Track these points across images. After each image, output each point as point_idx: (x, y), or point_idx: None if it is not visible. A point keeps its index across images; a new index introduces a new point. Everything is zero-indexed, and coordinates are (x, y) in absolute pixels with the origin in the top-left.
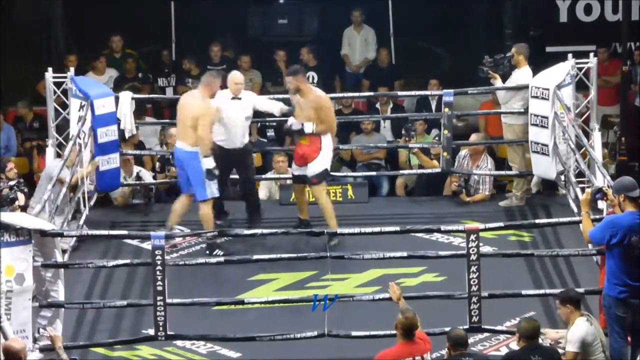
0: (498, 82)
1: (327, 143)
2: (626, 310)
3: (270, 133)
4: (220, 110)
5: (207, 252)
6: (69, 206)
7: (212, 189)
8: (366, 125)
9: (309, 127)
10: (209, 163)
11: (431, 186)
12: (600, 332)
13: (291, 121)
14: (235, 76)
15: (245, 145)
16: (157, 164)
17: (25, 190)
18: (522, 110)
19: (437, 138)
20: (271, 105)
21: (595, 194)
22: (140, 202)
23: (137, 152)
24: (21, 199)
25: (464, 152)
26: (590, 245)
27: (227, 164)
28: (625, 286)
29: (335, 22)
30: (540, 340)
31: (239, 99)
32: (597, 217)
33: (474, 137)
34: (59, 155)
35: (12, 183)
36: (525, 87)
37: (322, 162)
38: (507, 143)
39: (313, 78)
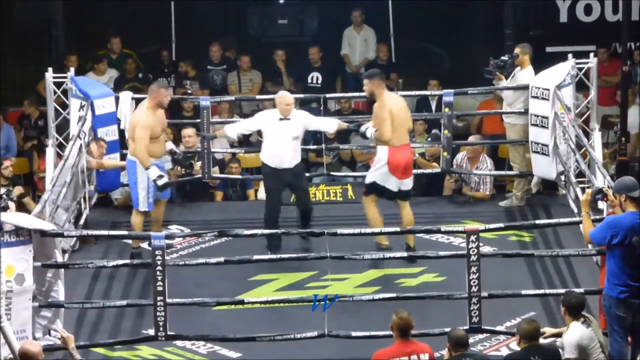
0: (503, 84)
1: (383, 156)
2: (626, 311)
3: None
4: (266, 130)
5: (130, 259)
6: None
7: (146, 202)
8: None
9: (369, 132)
10: (153, 173)
11: (431, 186)
12: (598, 333)
13: (364, 127)
14: (285, 97)
15: (296, 166)
16: None
17: (15, 198)
18: (523, 110)
19: (429, 139)
20: (326, 124)
21: (596, 194)
22: None
23: None
24: (12, 208)
25: (461, 154)
26: (590, 246)
27: (279, 184)
28: (626, 286)
29: (335, 22)
30: (541, 341)
31: (288, 119)
32: (597, 217)
33: (472, 139)
34: (59, 156)
35: (1, 192)
36: (526, 87)
37: (372, 174)
38: (508, 143)
39: (317, 78)
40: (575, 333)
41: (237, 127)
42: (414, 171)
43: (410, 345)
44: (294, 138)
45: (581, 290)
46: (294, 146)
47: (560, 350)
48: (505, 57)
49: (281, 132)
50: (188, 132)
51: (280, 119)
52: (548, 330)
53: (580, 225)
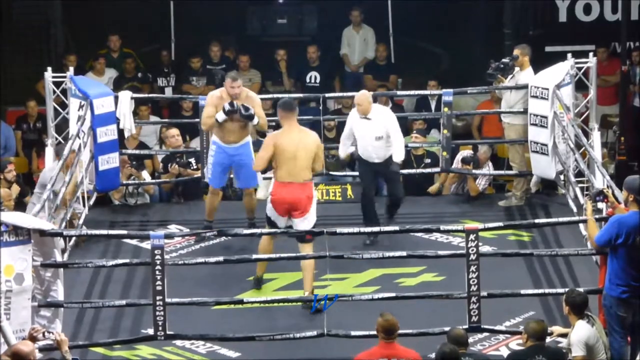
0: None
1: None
2: (627, 310)
3: (270, 133)
4: (354, 127)
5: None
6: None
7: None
8: None
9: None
10: (221, 115)
11: (424, 186)
12: (602, 333)
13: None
14: (356, 97)
15: (385, 160)
16: (160, 165)
17: (5, 209)
18: (522, 110)
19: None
20: (398, 150)
21: (596, 196)
22: (139, 200)
23: (137, 151)
24: None
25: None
26: (589, 245)
27: (370, 171)
28: (628, 287)
29: (334, 22)
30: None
31: (368, 119)
32: (598, 216)
33: (482, 150)
34: (58, 155)
35: None
36: (525, 87)
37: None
38: (507, 143)
39: (315, 78)
40: (582, 331)
41: (343, 144)
42: (415, 170)
43: (391, 348)
44: (377, 138)
45: (580, 289)
46: (378, 145)
47: (563, 352)
48: (506, 60)
49: (363, 131)
50: (172, 132)
51: (361, 118)
52: (556, 329)
53: (580, 225)
